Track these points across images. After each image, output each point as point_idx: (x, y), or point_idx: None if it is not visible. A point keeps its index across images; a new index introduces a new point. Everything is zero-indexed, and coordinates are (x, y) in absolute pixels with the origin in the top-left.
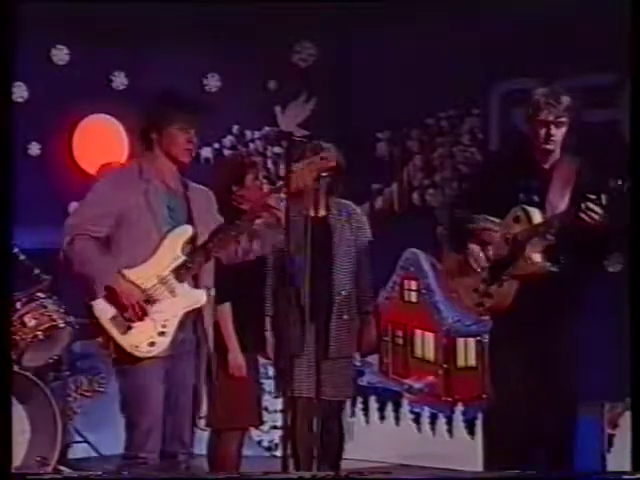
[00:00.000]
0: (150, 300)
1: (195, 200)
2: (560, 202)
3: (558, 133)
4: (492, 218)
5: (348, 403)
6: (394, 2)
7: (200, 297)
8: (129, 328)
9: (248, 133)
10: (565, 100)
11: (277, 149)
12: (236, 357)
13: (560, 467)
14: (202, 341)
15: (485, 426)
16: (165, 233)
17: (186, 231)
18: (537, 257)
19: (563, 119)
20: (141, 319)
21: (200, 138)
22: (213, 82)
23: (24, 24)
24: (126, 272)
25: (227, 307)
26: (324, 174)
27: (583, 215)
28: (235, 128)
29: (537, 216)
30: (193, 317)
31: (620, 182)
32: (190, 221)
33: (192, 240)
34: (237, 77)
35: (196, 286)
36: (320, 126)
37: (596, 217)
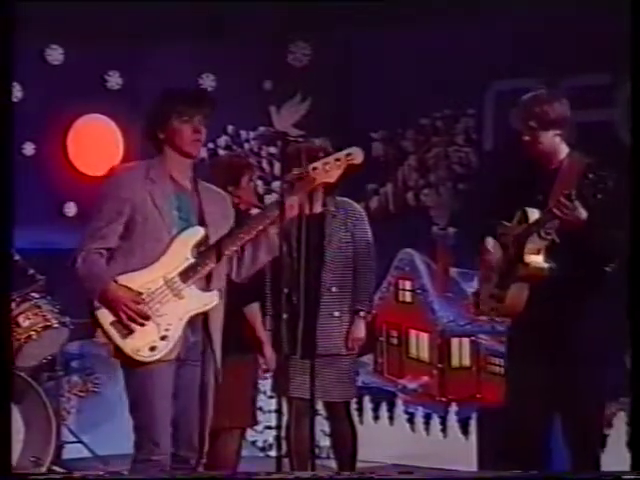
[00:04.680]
0: (150, 303)
1: (208, 201)
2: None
3: (548, 135)
4: (505, 222)
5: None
6: (390, 2)
7: (209, 300)
8: (131, 332)
9: (243, 133)
10: (550, 103)
11: (272, 149)
12: (270, 352)
13: (585, 467)
14: (207, 345)
15: (494, 427)
16: (175, 235)
17: (197, 233)
18: (533, 258)
19: (532, 123)
20: (141, 324)
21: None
22: (208, 82)
23: (18, 24)
24: (127, 276)
25: (256, 307)
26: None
27: (555, 210)
28: (230, 128)
29: (535, 216)
30: (203, 320)
31: (593, 176)
32: (202, 222)
33: (203, 242)
34: (232, 77)
35: (206, 289)
36: (315, 126)
37: (565, 211)
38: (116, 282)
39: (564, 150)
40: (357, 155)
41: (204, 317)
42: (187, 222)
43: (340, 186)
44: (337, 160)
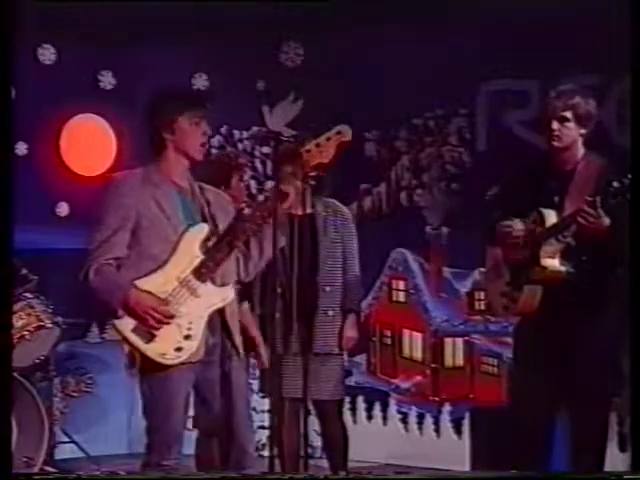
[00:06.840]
0: (171, 304)
1: (209, 199)
2: (579, 204)
3: (563, 129)
4: (517, 221)
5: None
6: (381, 3)
7: (226, 294)
8: (153, 336)
9: (236, 133)
10: (569, 97)
11: (265, 149)
12: (264, 350)
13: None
14: (229, 343)
15: (500, 428)
16: (181, 234)
17: (202, 230)
18: (549, 261)
19: (566, 114)
20: (166, 324)
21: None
22: (201, 82)
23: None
24: (143, 280)
25: (246, 305)
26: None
27: (579, 218)
28: (223, 128)
29: (552, 218)
30: (220, 320)
31: (618, 184)
32: (205, 220)
33: (209, 238)
34: (225, 77)
35: (220, 284)
36: (308, 126)
37: (590, 219)
38: (135, 287)
39: (581, 151)
40: (346, 132)
41: (221, 317)
42: (193, 221)
43: (332, 186)
44: (328, 139)
